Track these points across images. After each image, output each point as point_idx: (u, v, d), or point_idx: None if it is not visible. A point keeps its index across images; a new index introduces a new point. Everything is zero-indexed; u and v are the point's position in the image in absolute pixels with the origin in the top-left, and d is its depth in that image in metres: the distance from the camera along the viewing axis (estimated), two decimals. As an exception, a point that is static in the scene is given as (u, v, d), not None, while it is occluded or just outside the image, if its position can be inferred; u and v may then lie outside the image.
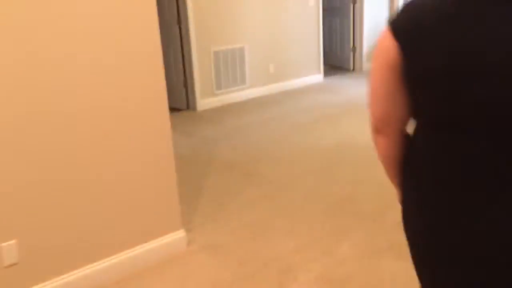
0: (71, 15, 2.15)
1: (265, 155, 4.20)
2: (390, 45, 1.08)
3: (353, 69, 7.65)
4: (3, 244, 2.14)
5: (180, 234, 2.74)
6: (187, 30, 5.52)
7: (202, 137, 4.79)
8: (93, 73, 2.25)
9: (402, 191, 1.23)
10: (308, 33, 6.70)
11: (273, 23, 6.26)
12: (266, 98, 6.19)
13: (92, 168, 2.33)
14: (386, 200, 3.24)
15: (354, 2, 7.40)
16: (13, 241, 2.15)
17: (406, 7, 1.10)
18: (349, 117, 5.16)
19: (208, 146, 4.52)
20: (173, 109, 5.72)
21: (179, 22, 5.55)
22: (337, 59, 7.97)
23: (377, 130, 1.22)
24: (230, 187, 3.59)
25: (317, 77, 6.95)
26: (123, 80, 2.36)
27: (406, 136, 1.22)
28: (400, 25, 1.09)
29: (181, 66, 5.70)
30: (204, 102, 5.77)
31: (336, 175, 3.72)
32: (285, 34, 6.43)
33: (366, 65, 7.59)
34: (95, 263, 2.41)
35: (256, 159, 4.13)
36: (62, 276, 2.32)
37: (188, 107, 5.80)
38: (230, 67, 5.94)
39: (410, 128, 1.22)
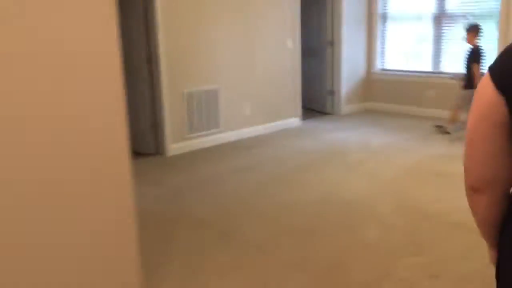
0: (24, 58, 1.73)
1: (242, 210, 3.78)
2: (494, 98, 1.00)
3: (332, 113, 7.39)
4: None
5: (142, 317, 2.26)
6: (158, 69, 5.14)
7: (171, 187, 4.34)
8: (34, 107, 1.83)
9: (500, 251, 1.16)
10: (286, 75, 6.42)
11: (249, 64, 5.96)
12: (242, 142, 5.81)
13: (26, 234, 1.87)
14: (381, 268, 2.85)
15: (332, 44, 7.20)
16: None
17: (507, 51, 1.02)
18: (332, 166, 4.81)
19: (178, 198, 4.07)
20: (140, 154, 5.29)
21: (149, 61, 5.17)
22: (314, 102, 7.70)
23: (476, 189, 1.14)
24: (203, 249, 3.14)
25: (295, 121, 6.64)
26: (72, 120, 1.94)
27: (509, 195, 1.14)
28: (504, 75, 1.00)
29: (150, 107, 5.29)
30: (174, 146, 5.34)
31: (322, 236, 3.31)
32: (262, 76, 6.13)
33: (344, 108, 7.34)
34: None
35: (232, 214, 3.70)
36: None
37: (157, 152, 5.36)
38: (203, 109, 5.56)
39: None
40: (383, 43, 7.48)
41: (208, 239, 3.29)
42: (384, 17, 7.39)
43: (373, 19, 7.40)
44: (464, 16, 6.61)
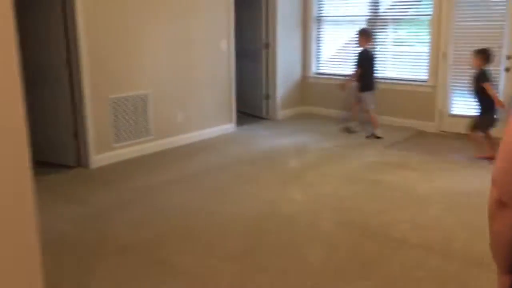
0: None
1: (175, 231, 3.43)
2: None
3: (267, 118, 7.17)
4: None
5: None
6: (79, 73, 4.67)
7: (94, 206, 3.90)
8: None
9: None
10: (220, 79, 6.12)
11: (180, 67, 5.59)
12: (174, 151, 5.44)
13: None
14: (327, 295, 2.62)
15: (267, 47, 6.99)
16: None
17: None
18: (269, 177, 4.57)
19: (101, 219, 3.65)
20: (60, 166, 4.79)
21: (69, 64, 4.68)
22: (249, 106, 7.46)
23: (505, 204, 1.08)
24: (128, 283, 2.77)
25: (230, 127, 6.35)
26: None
27: None
28: None
29: (71, 115, 4.80)
30: (99, 157, 4.89)
31: (261, 259, 3.04)
32: (195, 80, 5.79)
33: (280, 113, 7.15)
34: None
35: (163, 237, 3.34)
36: None
37: (79, 164, 4.88)
38: (131, 116, 5.14)
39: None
40: (318, 46, 7.37)
41: (134, 269, 2.92)
42: (319, 21, 7.28)
43: (308, 22, 7.27)
44: (396, 19, 6.63)
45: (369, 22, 6.75)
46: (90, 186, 4.37)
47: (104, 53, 4.81)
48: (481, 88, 4.91)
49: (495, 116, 4.95)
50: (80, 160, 4.88)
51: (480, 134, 5.04)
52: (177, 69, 5.55)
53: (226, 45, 6.11)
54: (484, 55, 4.99)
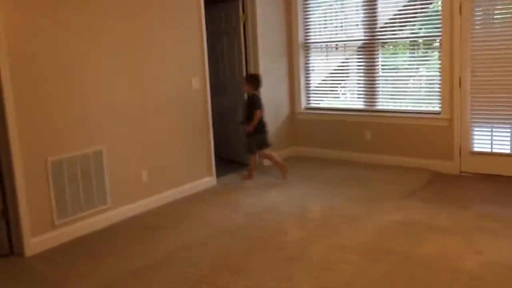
0: None
1: None
2: None
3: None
4: None
5: None
6: (5, 131, 3.52)
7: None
8: None
9: None
10: (192, 124, 5.01)
11: (143, 113, 4.48)
12: (139, 220, 4.27)
13: None
14: None
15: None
16: None
17: None
18: (263, 259, 3.42)
19: None
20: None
21: (-11, 120, 3.53)
22: (232, 152, 6.35)
23: None
24: None
25: (208, 181, 5.22)
26: None
27: None
28: None
29: (-3, 186, 3.62)
30: (37, 241, 3.69)
31: None
32: (162, 127, 4.67)
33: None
34: None
35: None
36: None
37: (11, 252, 3.68)
38: (80, 182, 3.98)
39: None
40: (307, 77, 6.35)
41: None
42: (307, 48, 6.28)
43: (294, 50, 6.26)
44: (396, 42, 5.66)
45: (364, 46, 5.78)
46: (23, 284, 3.16)
47: (39, 102, 3.67)
48: (252, 113, 5.18)
49: (265, 137, 5.32)
50: (12, 247, 3.68)
51: (255, 155, 5.37)
52: (139, 116, 4.44)
53: (197, 82, 5.03)
54: (254, 80, 5.30)
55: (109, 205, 4.21)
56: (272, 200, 4.66)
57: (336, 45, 6.19)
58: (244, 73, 5.90)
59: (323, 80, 6.29)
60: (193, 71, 4.96)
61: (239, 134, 6.10)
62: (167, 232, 3.97)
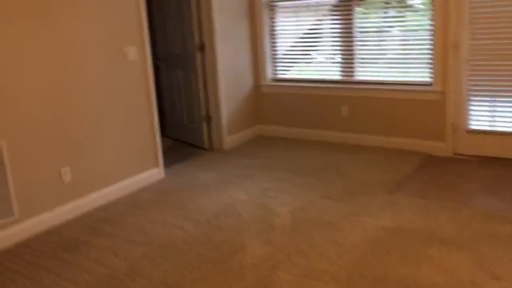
0: None
1: None
2: None
3: (210, 148, 5.13)
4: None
5: None
6: None
7: None
8: None
9: None
10: (130, 104, 4.02)
11: (59, 94, 3.47)
12: (55, 237, 3.32)
13: None
14: None
15: (202, 49, 4.94)
16: None
17: None
18: (218, 282, 2.56)
19: None
20: None
21: None
22: (186, 133, 5.41)
23: None
24: None
25: (154, 173, 4.27)
26: None
27: None
28: None
29: None
30: None
31: None
32: (87, 110, 3.67)
33: (227, 140, 5.12)
34: None
35: None
36: None
37: None
38: (-26, 188, 2.99)
39: None
40: (273, 43, 5.37)
41: None
42: (273, 8, 5.28)
43: (257, 10, 5.26)
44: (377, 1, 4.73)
45: (340, 4, 4.82)
46: None
47: None
48: None
49: None
50: None
51: None
52: (53, 97, 3.42)
53: (135, 52, 4.00)
54: None
55: (17, 216, 3.23)
56: (230, 198, 3.76)
57: (308, 4, 5.21)
58: (198, 40, 4.89)
59: (292, 47, 5.33)
60: (128, 39, 3.93)
61: (194, 113, 5.15)
62: (88, 253, 3.03)
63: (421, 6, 4.50)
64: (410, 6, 4.61)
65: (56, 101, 3.42)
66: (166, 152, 4.88)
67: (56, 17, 3.38)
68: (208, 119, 5.09)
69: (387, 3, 4.70)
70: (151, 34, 5.36)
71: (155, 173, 4.27)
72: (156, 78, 5.49)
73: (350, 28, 4.79)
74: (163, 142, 5.04)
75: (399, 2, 4.65)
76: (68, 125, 3.51)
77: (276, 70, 5.42)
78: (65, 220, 3.50)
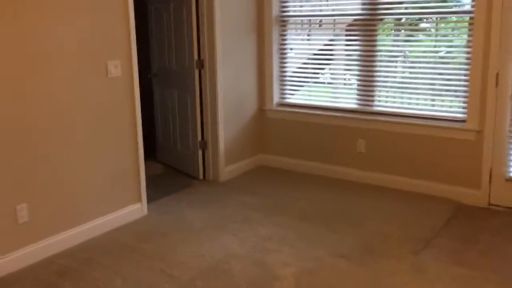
0: None
1: None
2: None
3: (204, 178, 4.49)
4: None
5: None
6: None
7: None
8: None
9: None
10: (110, 127, 3.37)
11: (23, 107, 2.83)
12: (3, 290, 2.67)
13: None
14: None
15: (201, 66, 4.32)
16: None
17: None
18: None
19: None
20: None
21: None
22: (178, 159, 4.76)
23: None
24: None
25: (135, 210, 3.61)
26: None
27: None
28: None
29: None
30: None
31: None
32: (53, 132, 3.03)
33: (225, 171, 4.47)
34: None
35: None
36: None
37: None
38: None
39: None
40: (282, 63, 4.75)
41: None
42: (284, 24, 4.67)
43: (266, 26, 4.64)
44: (407, 19, 4.11)
45: (361, 23, 4.20)
46: None
47: None
48: None
49: None
50: None
51: None
52: (11, 116, 2.78)
53: (118, 68, 3.37)
54: None
55: (-48, 267, 2.58)
56: (222, 251, 3.09)
57: (320, 20, 4.60)
58: (196, 56, 4.28)
59: (303, 68, 4.71)
60: (111, 51, 3.30)
61: (189, 137, 4.52)
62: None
63: (456, 26, 3.88)
64: (442, 27, 3.99)
65: (14, 121, 2.79)
66: (154, 179, 4.26)
67: (22, 16, 2.76)
68: (204, 145, 4.44)
69: (414, 24, 4.08)
70: (146, 47, 4.78)
71: (136, 210, 3.61)
72: (149, 95, 4.90)
73: (372, 49, 4.17)
74: (152, 168, 4.44)
75: (432, 23, 4.03)
76: (27, 151, 2.87)
77: (283, 94, 4.78)
78: (16, 270, 2.84)
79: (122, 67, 3.38)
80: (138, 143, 3.57)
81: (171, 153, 4.83)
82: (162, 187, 4.24)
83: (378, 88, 4.21)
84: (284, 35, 4.67)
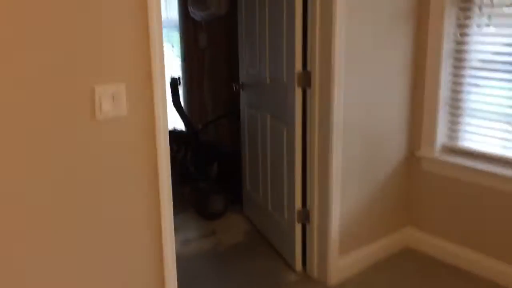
0: None
1: None
2: None
3: (304, 272, 2.65)
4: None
5: None
6: None
7: None
8: None
9: None
10: (104, 216, 1.70)
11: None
12: None
13: None
14: None
15: (305, 82, 2.45)
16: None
17: None
18: None
19: None
20: None
21: None
22: (265, 220, 3.03)
23: None
24: None
25: None
26: None
27: None
28: None
29: None
30: None
31: None
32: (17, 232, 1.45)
33: (340, 264, 2.58)
34: None
35: None
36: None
37: None
38: None
39: None
40: (458, 76, 2.66)
41: None
42: (469, 8, 2.57)
43: (432, 14, 2.60)
44: None
45: None
46: None
47: None
48: None
49: None
50: None
51: None
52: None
53: (122, 100, 1.66)
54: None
55: None
56: None
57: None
58: (300, 66, 2.43)
59: (496, 92, 2.57)
60: (103, 67, 1.61)
61: (282, 198, 2.75)
62: None
63: None
64: None
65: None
66: (234, 251, 2.58)
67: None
68: (305, 217, 2.60)
69: None
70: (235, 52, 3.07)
71: None
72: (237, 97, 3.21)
73: None
74: (233, 227, 2.80)
75: None
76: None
77: (455, 131, 2.71)
78: None
79: (130, 97, 1.68)
80: (162, 247, 1.85)
81: (260, 211, 3.09)
82: (234, 272, 2.53)
83: None
84: (466, 26, 2.57)
